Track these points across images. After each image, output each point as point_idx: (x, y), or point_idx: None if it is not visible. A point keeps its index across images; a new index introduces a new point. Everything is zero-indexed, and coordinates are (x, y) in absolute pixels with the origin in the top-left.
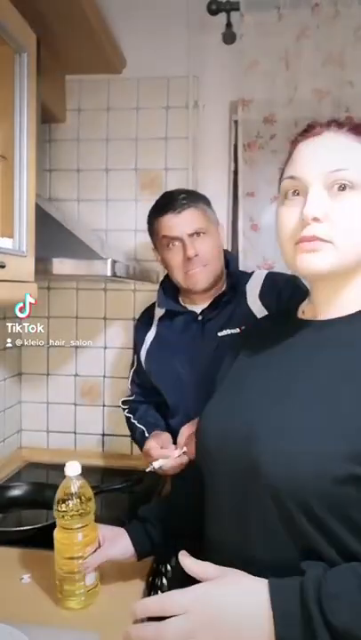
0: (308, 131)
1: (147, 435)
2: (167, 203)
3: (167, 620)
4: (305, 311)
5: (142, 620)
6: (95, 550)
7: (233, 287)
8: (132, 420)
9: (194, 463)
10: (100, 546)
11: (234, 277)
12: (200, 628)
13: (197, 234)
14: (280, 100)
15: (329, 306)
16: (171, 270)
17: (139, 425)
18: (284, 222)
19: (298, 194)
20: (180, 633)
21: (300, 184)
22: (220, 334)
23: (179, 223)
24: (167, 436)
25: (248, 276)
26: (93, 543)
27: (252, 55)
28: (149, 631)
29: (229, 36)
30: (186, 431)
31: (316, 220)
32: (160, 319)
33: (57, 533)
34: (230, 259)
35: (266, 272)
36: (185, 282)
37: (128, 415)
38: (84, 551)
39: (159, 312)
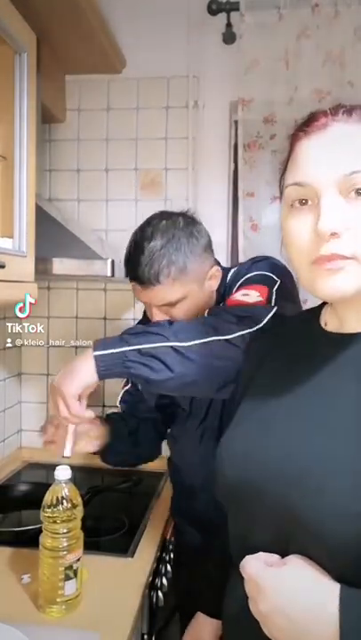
0: (311, 123)
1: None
2: (133, 268)
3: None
4: (328, 322)
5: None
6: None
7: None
8: None
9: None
10: None
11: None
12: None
13: (170, 305)
14: (280, 100)
15: (358, 318)
16: None
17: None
18: (294, 239)
19: (306, 202)
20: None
21: (309, 191)
22: None
23: (146, 295)
24: None
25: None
26: (78, 551)
27: (252, 55)
28: (255, 568)
29: (229, 36)
30: None
31: (334, 235)
32: None
33: (42, 538)
34: (226, 286)
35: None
36: None
37: None
38: (66, 558)
39: None
